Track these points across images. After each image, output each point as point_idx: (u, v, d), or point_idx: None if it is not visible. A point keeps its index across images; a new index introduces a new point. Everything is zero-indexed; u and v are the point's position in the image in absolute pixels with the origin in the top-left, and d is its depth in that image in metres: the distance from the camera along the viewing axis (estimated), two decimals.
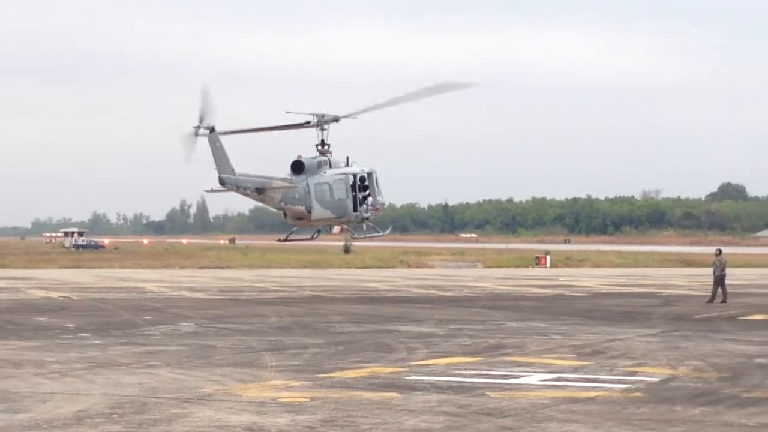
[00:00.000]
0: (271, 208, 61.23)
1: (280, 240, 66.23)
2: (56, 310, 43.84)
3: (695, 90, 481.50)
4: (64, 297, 52.76)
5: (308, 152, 56.43)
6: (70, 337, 32.85)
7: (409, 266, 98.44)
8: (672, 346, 30.68)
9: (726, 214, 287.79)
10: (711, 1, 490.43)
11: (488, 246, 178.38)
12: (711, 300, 49.20)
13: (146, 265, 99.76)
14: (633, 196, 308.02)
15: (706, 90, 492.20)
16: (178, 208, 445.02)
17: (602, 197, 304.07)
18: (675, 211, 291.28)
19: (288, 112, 57.85)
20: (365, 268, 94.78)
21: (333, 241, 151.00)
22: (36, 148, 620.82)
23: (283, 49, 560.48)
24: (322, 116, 56.15)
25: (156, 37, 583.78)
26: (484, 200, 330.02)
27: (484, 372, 24.68)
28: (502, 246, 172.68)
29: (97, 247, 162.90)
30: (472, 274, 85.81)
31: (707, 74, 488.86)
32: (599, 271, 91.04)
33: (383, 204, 60.14)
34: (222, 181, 55.53)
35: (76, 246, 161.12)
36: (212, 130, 53.89)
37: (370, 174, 58.44)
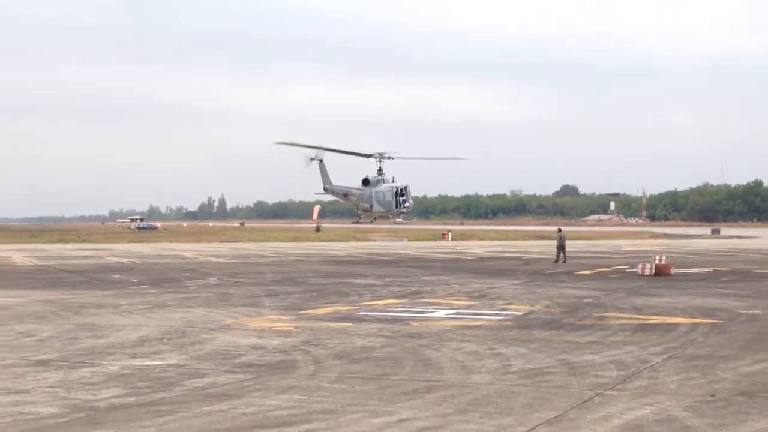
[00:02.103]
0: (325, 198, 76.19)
1: (354, 222, 75.52)
2: (125, 270, 43.61)
3: (546, 123, 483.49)
4: (131, 261, 52.53)
5: (369, 172, 66.31)
6: (135, 288, 32.67)
7: (359, 240, 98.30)
8: (531, 291, 30.89)
9: (566, 205, 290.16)
10: (555, 65, 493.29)
11: (410, 227, 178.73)
12: (555, 261, 49.81)
13: (185, 240, 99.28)
14: (505, 194, 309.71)
15: (554, 124, 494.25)
16: (206, 202, 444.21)
17: (484, 194, 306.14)
18: (532, 203, 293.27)
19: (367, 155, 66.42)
20: (330, 241, 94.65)
21: (310, 224, 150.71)
22: (104, 157, 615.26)
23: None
24: (381, 154, 65.07)
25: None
26: None
27: (409, 309, 24.75)
28: (420, 227, 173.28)
29: (153, 228, 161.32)
30: (400, 245, 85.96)
31: (552, 114, 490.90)
32: (483, 242, 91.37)
33: (411, 204, 67.79)
34: (325, 190, 66.98)
35: (139, 228, 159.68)
36: (321, 161, 65.16)
37: (405, 187, 66.25)
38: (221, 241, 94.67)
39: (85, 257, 58.34)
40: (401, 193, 66.24)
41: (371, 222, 69.94)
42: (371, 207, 66.44)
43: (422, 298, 28.36)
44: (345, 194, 69.03)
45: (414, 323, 21.38)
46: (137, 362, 15.68)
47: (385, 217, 68.63)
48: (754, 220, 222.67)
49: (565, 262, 49.60)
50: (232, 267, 46.63)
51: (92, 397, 12.55)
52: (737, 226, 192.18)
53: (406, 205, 66.71)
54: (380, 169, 66.47)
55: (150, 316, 23.06)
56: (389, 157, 65.61)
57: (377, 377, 14.12)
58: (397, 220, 70.33)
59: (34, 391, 12.99)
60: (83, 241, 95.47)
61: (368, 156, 66.19)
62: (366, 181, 66.26)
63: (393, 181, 66.45)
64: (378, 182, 66.48)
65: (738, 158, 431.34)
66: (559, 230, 54.18)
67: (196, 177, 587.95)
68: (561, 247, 50.81)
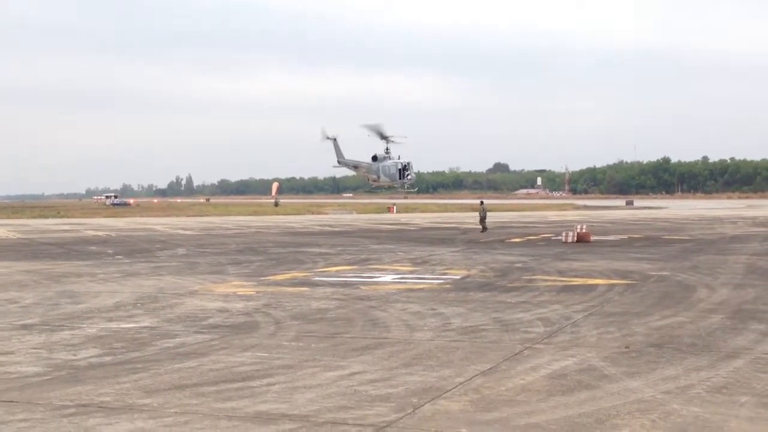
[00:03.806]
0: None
1: (366, 191, 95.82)
2: (101, 243, 42.99)
3: (480, 108, 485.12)
4: (106, 234, 51.74)
5: (377, 150, 72.89)
6: (110, 258, 32.24)
7: (313, 213, 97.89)
8: (467, 257, 31.05)
9: (498, 181, 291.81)
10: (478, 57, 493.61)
11: (360, 201, 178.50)
12: (483, 230, 49.86)
13: (156, 215, 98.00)
14: (444, 171, 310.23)
15: (487, 108, 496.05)
16: (175, 180, 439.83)
17: (425, 171, 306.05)
18: (468, 179, 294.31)
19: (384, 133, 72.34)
20: (287, 215, 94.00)
21: (269, 200, 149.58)
22: (81, 140, 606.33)
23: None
24: (389, 135, 71.42)
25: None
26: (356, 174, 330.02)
27: (358, 275, 24.76)
28: (367, 201, 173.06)
29: (126, 204, 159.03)
30: (350, 217, 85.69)
31: (486, 99, 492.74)
32: (424, 215, 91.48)
33: (413, 177, 74.58)
34: (339, 162, 72.81)
35: (113, 204, 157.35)
36: (335, 139, 71.57)
37: (408, 163, 72.50)
38: (189, 216, 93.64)
39: (64, 231, 57.40)
40: (405, 167, 72.20)
41: (385, 189, 79.88)
42: (378, 178, 72.82)
43: (371, 264, 28.37)
44: (355, 166, 75.29)
45: (363, 287, 21.40)
46: (113, 325, 15.51)
47: (391, 187, 76.22)
48: (663, 192, 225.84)
49: (485, 230, 49.56)
50: (199, 239, 46.19)
51: (72, 357, 12.40)
52: (648, 198, 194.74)
53: (409, 177, 72.98)
54: (387, 149, 72.39)
55: (124, 284, 22.80)
56: (394, 141, 72.43)
57: (331, 336, 14.13)
58: (407, 195, 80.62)
59: (18, 352, 12.81)
60: (62, 217, 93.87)
61: (383, 137, 72.45)
62: (375, 157, 72.24)
63: (399, 158, 72.36)
64: (385, 158, 72.17)
65: (649, 138, 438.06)
66: (482, 203, 54.35)
67: (165, 158, 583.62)
68: (482, 219, 51.02)
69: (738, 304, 17.72)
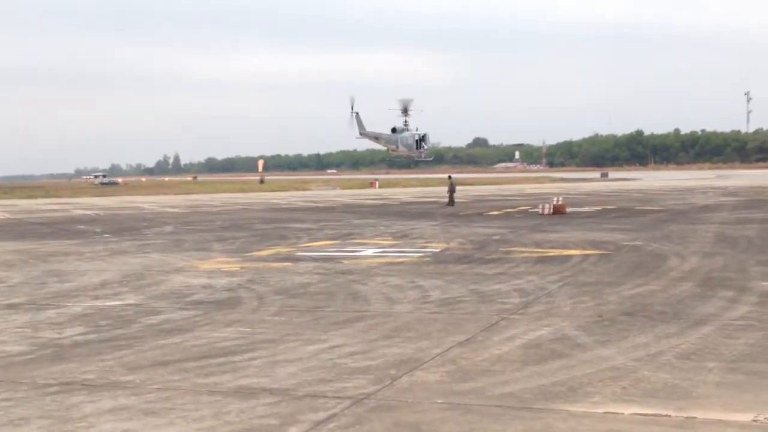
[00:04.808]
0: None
1: (385, 159, 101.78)
2: (89, 222, 42.66)
3: (460, 84, 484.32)
4: (95, 213, 51.40)
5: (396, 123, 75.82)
6: (98, 237, 31.98)
7: (297, 190, 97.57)
8: (447, 231, 31.01)
9: (477, 155, 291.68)
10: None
11: (342, 177, 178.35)
12: (450, 204, 49.56)
13: (144, 193, 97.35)
14: (383, 149, 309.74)
15: (467, 84, 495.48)
16: (162, 159, 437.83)
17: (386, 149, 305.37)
18: (449, 154, 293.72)
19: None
20: (272, 191, 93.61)
21: (255, 177, 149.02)
22: (70, 121, 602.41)
23: None
24: (406, 109, 75.15)
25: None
26: (340, 150, 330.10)
27: (340, 249, 24.66)
28: (350, 177, 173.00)
29: (114, 183, 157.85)
30: (333, 193, 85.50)
31: (466, 75, 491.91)
32: (406, 189, 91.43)
33: (429, 147, 78.72)
34: (360, 134, 75.72)
35: (102, 183, 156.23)
36: (357, 113, 74.04)
37: (425, 135, 75.79)
38: (176, 194, 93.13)
39: (53, 211, 56.95)
40: (422, 138, 75.91)
41: (403, 158, 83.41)
42: (397, 148, 76.50)
43: (352, 239, 28.29)
44: (376, 138, 78.61)
45: (345, 261, 21.32)
46: (99, 303, 15.37)
47: (409, 156, 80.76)
48: (637, 164, 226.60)
49: (452, 205, 49.28)
50: (186, 216, 45.92)
51: (57, 336, 12.27)
52: (622, 170, 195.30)
53: (425, 147, 77.15)
54: (406, 121, 75.88)
55: (111, 262, 22.62)
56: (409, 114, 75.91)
57: (312, 310, 14.06)
58: (422, 159, 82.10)
59: (4, 332, 12.66)
60: (51, 197, 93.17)
61: (404, 111, 76.21)
62: (394, 129, 75.76)
63: (416, 130, 76.06)
64: (403, 130, 75.65)
65: (623, 112, 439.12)
66: (450, 177, 54.26)
67: (153, 137, 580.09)
68: (451, 193, 50.86)
69: (707, 272, 17.78)
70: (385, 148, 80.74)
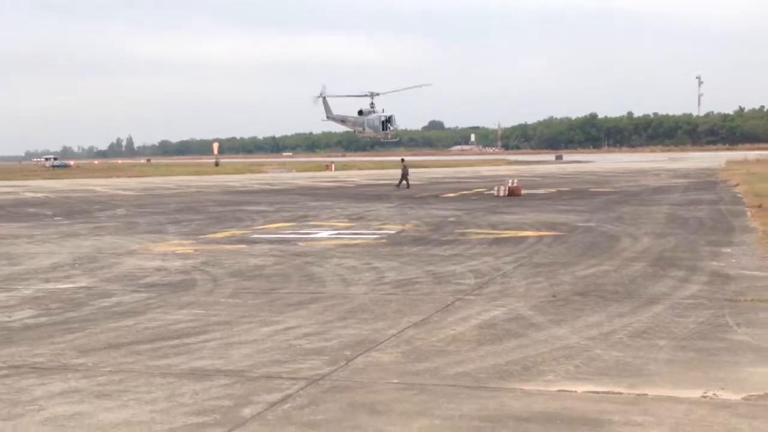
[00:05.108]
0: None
1: (341, 142, 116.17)
2: (40, 204, 41.96)
3: (416, 68, 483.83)
4: (46, 196, 50.55)
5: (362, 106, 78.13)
6: (49, 220, 31.45)
7: (253, 173, 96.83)
8: (402, 212, 31.04)
9: (433, 138, 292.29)
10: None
11: (298, 160, 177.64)
12: (398, 186, 49.56)
13: (96, 176, 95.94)
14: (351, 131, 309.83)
15: (422, 68, 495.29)
16: (115, 142, 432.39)
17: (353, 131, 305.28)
18: (405, 136, 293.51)
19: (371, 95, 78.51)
20: (227, 174, 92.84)
21: (209, 159, 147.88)
22: (19, 103, 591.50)
23: None
24: (372, 92, 77.25)
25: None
26: (296, 133, 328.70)
27: (296, 231, 24.57)
28: (306, 159, 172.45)
29: (66, 166, 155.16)
30: (289, 176, 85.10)
31: (421, 59, 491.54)
32: (362, 172, 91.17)
33: (395, 128, 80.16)
34: (327, 117, 79.74)
35: (53, 166, 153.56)
36: (324, 97, 77.80)
37: (391, 116, 77.59)
38: (129, 177, 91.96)
39: (3, 193, 55.88)
40: (388, 120, 77.74)
41: (370, 138, 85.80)
42: (364, 130, 78.89)
43: (308, 221, 28.19)
44: (343, 120, 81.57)
45: (301, 243, 21.24)
46: (50, 286, 15.14)
47: (375, 137, 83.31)
48: (591, 147, 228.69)
49: (408, 187, 49.25)
50: (139, 199, 45.39)
51: (7, 319, 12.06)
52: (577, 152, 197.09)
53: (391, 129, 79.07)
54: (372, 103, 77.97)
55: (62, 245, 22.28)
56: (377, 94, 78.08)
57: (267, 291, 13.98)
58: (388, 140, 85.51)
59: None
60: (1, 180, 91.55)
61: (364, 95, 78.53)
62: (360, 112, 78.15)
63: (383, 112, 77.92)
64: (369, 112, 77.61)
65: (577, 95, 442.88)
66: (402, 160, 54.28)
67: (105, 120, 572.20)
68: (404, 176, 50.90)
69: (659, 252, 18.02)
70: (352, 130, 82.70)
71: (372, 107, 78.09)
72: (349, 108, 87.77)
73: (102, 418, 7.37)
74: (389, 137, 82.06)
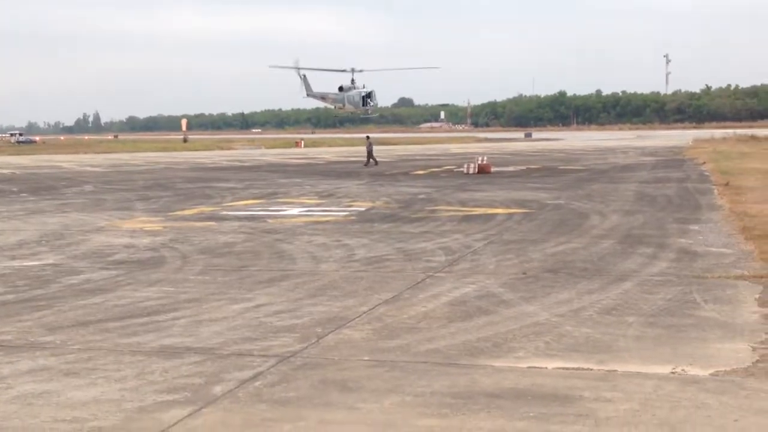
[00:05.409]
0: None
1: (336, 115, 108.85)
2: (5, 181, 41.37)
3: (386, 45, 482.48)
4: (11, 172, 49.82)
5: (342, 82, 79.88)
6: (14, 196, 31.05)
7: (222, 149, 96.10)
8: (373, 190, 31.01)
9: (403, 115, 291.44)
10: None
11: (267, 136, 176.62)
12: (366, 165, 49.44)
13: (63, 152, 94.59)
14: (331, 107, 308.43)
15: (393, 45, 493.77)
16: (82, 117, 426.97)
17: (332, 107, 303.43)
18: (376, 114, 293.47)
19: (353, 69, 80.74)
20: (196, 151, 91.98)
21: (178, 136, 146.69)
22: None
23: None
24: (353, 68, 78.40)
25: None
26: (265, 110, 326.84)
27: (266, 208, 24.46)
28: (276, 136, 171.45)
29: (32, 142, 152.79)
30: (258, 152, 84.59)
31: (392, 37, 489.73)
32: (332, 149, 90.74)
33: (376, 105, 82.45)
34: (308, 95, 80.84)
35: (18, 142, 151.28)
36: (305, 75, 79.71)
37: (371, 92, 79.12)
38: (97, 153, 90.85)
39: None
40: (368, 95, 79.04)
41: (349, 114, 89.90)
42: (344, 106, 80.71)
43: (278, 198, 28.08)
44: (323, 97, 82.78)
45: (270, 220, 21.15)
46: (16, 263, 14.93)
47: (355, 113, 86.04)
48: (560, 124, 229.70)
49: (376, 164, 49.19)
50: (107, 175, 44.93)
51: None
52: (546, 130, 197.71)
53: (371, 104, 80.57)
54: (353, 80, 78.98)
55: (29, 221, 22.00)
56: (360, 71, 79.25)
57: (237, 269, 13.91)
58: (369, 115, 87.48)
59: None
60: None
61: (343, 71, 79.61)
62: (341, 88, 79.34)
63: (363, 88, 79.17)
64: (350, 89, 78.67)
65: (546, 73, 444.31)
66: (368, 137, 54.11)
67: (71, 95, 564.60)
68: (370, 153, 50.76)
69: (627, 229, 18.15)
70: (333, 107, 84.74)
71: (353, 83, 78.81)
72: (326, 85, 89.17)
73: (71, 396, 7.30)
74: (369, 113, 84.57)
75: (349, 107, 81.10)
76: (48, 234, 19.12)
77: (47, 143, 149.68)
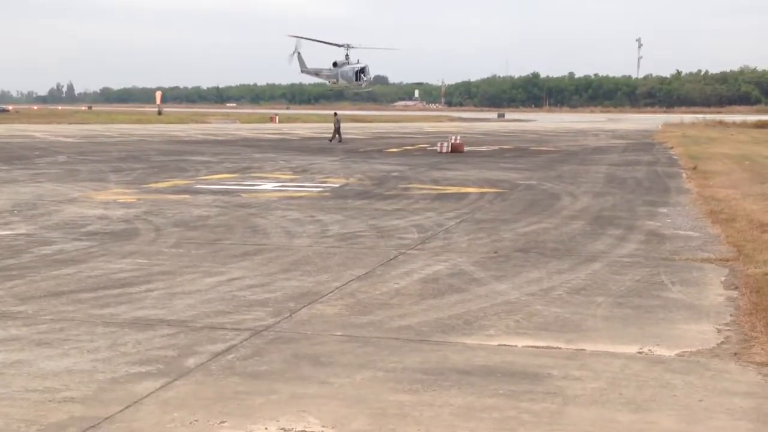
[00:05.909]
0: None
1: (329, 90, 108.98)
2: None
3: (361, 23, 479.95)
4: None
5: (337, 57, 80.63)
6: None
7: (196, 123, 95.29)
8: (346, 166, 30.94)
9: (377, 93, 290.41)
10: None
11: (242, 111, 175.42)
12: (330, 140, 49.76)
13: (36, 122, 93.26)
14: (325, 82, 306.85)
15: (368, 23, 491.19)
16: (56, 87, 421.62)
17: (306, 83, 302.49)
18: (349, 91, 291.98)
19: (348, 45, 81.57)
20: (171, 123, 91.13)
21: (152, 108, 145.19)
22: None
23: None
24: (348, 44, 79.00)
25: None
26: (241, 84, 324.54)
27: (240, 182, 24.35)
28: (250, 111, 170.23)
29: (4, 111, 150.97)
30: (233, 127, 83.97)
31: (368, 14, 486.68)
32: (306, 125, 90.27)
33: (369, 78, 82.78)
34: (302, 71, 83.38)
35: None
36: (299, 52, 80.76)
37: (365, 67, 79.93)
38: (70, 123, 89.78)
39: None
40: (362, 71, 79.61)
41: (341, 89, 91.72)
42: (338, 81, 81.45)
43: (252, 173, 27.94)
44: (317, 73, 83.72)
45: (244, 195, 21.05)
46: None
47: (348, 88, 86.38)
48: (532, 106, 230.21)
49: (340, 141, 49.45)
50: (81, 146, 44.42)
51: None
52: (519, 111, 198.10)
53: (365, 79, 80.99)
54: (347, 55, 79.65)
55: (1, 191, 21.72)
56: (353, 47, 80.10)
57: (211, 242, 13.84)
58: (362, 90, 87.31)
59: None
60: None
61: (340, 45, 79.83)
62: (335, 64, 79.82)
63: (357, 63, 79.60)
64: (344, 64, 79.20)
65: (520, 54, 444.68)
66: (335, 114, 54.05)
67: (45, 64, 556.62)
68: (337, 130, 50.92)
69: (598, 210, 18.27)
70: (326, 82, 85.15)
71: (347, 59, 79.36)
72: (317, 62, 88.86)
73: (43, 366, 7.25)
74: (363, 87, 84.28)
75: (342, 82, 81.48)
76: (21, 204, 18.90)
77: (20, 113, 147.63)
